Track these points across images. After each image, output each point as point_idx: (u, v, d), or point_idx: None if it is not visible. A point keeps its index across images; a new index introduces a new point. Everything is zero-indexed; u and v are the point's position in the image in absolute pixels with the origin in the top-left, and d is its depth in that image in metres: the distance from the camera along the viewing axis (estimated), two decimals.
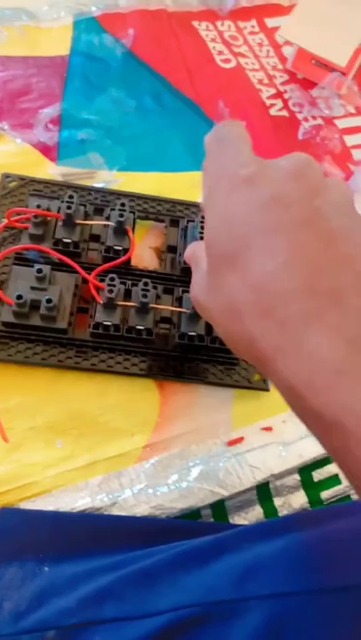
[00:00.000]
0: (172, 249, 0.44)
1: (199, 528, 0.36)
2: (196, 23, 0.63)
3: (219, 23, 0.64)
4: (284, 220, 0.20)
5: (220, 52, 0.61)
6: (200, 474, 0.38)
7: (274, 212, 0.20)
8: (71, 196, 0.41)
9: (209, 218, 0.22)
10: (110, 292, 0.39)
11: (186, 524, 0.36)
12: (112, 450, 0.38)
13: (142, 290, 0.40)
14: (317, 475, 0.41)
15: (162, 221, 0.46)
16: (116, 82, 0.54)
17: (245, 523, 0.38)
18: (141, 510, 0.36)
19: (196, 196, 0.48)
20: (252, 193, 0.21)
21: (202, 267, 0.24)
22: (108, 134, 0.50)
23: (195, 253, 0.27)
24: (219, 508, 0.38)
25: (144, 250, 0.45)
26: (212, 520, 0.37)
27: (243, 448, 0.40)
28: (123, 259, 0.42)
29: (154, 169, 0.49)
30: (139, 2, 0.61)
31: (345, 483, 0.40)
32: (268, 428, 0.41)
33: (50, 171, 0.47)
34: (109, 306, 0.40)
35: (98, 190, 0.45)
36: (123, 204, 0.42)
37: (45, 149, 0.48)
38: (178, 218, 0.46)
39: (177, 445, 0.39)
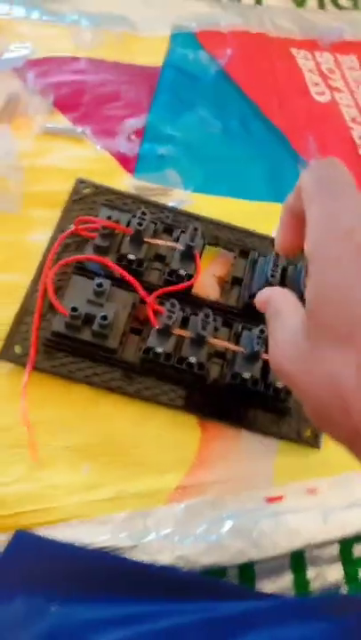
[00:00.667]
0: (237, 281, 0.42)
1: (225, 589, 0.33)
2: (294, 50, 0.61)
3: (318, 54, 0.62)
4: None
5: (316, 84, 0.59)
6: (232, 529, 0.36)
7: None
8: (144, 213, 0.40)
9: (317, 281, 0.20)
10: (169, 317, 0.37)
11: (211, 582, 0.33)
12: (141, 485, 0.36)
13: (202, 321, 0.38)
14: (358, 550, 0.37)
15: (231, 250, 0.43)
16: (206, 100, 0.53)
17: (274, 590, 0.35)
18: (164, 558, 0.34)
19: (271, 229, 0.45)
20: None
21: (287, 324, 0.22)
22: (189, 152, 0.49)
23: (275, 304, 0.24)
24: (247, 570, 0.35)
25: (207, 277, 0.43)
26: (237, 581, 0.34)
27: (282, 508, 0.37)
28: (186, 284, 0.40)
29: (230, 194, 0.47)
30: (240, 23, 0.59)
31: None
32: (313, 491, 0.38)
33: (125, 182, 0.46)
34: (164, 332, 0.37)
35: (170, 209, 0.44)
36: (195, 229, 0.40)
37: (124, 160, 0.47)
38: (248, 249, 0.43)
39: (211, 492, 0.36)
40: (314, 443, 0.39)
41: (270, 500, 0.37)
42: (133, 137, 0.48)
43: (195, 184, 0.47)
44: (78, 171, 0.44)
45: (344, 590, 0.36)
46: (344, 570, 0.37)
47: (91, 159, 0.46)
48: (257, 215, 0.46)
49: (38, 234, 0.41)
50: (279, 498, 0.37)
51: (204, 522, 0.36)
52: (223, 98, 0.53)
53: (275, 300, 0.24)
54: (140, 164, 0.47)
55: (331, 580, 0.36)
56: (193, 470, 0.37)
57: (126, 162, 0.46)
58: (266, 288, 0.27)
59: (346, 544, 0.37)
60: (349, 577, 0.36)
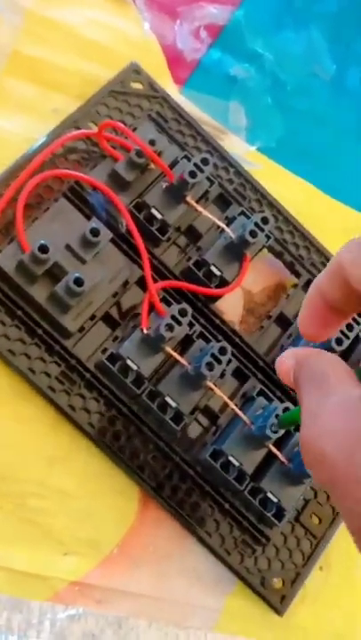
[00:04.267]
0: (283, 321, 0.42)
1: None
2: None
3: None
4: None
5: None
6: None
7: None
8: (206, 161, 0.39)
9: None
10: (169, 328, 0.36)
11: None
12: (24, 560, 0.34)
13: (213, 356, 0.36)
14: None
15: (296, 274, 0.44)
16: (326, 20, 0.51)
17: None
18: None
19: None
20: None
21: (338, 392, 0.22)
22: (274, 89, 0.48)
23: (317, 365, 0.24)
24: None
25: (241, 292, 0.43)
26: None
27: None
28: (214, 291, 0.40)
29: (315, 180, 0.47)
30: None
31: None
32: None
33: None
34: (151, 344, 0.37)
35: (238, 171, 0.44)
36: (265, 219, 0.40)
37: (175, 60, 0.46)
38: None
39: (122, 606, 0.35)
40: (277, 604, 0.38)
41: None
42: (203, 33, 0.47)
43: (265, 140, 0.47)
44: (96, 46, 0.43)
45: None
46: None
47: (129, 41, 0.45)
48: (349, 230, 0.46)
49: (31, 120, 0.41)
50: None
51: None
52: (355, 26, 0.52)
53: (316, 361, 0.24)
54: (196, 76, 0.46)
55: None
56: (108, 563, 0.36)
57: (178, 64, 0.46)
58: (296, 348, 0.26)
59: None
60: None
